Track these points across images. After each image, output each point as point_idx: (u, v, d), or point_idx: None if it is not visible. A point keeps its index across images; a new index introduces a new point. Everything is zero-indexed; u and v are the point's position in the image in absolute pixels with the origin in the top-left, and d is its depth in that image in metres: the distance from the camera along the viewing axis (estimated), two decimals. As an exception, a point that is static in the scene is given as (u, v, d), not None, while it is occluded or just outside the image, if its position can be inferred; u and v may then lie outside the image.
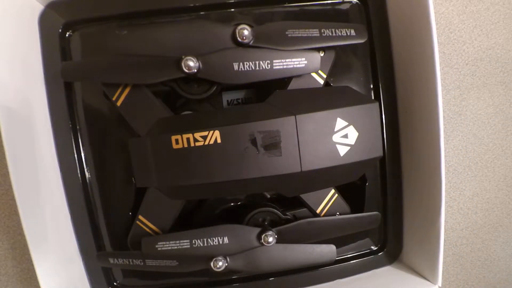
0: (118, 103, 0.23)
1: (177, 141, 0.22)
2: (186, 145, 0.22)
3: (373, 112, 0.23)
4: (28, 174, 0.24)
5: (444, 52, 0.40)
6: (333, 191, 0.25)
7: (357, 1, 0.27)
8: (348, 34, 0.23)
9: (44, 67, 0.26)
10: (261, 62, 0.22)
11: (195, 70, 0.21)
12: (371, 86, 0.28)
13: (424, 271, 0.27)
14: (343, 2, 0.27)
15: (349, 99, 0.23)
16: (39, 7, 0.26)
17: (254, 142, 0.22)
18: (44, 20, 0.26)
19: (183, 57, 0.21)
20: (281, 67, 0.22)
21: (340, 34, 0.23)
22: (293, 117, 0.22)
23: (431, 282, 0.27)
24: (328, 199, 0.25)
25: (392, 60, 0.28)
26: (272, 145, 0.22)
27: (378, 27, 0.27)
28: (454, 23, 0.40)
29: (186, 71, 0.21)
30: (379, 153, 0.23)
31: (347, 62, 0.28)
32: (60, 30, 0.26)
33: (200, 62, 0.21)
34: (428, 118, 0.24)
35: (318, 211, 0.25)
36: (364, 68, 0.28)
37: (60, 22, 0.26)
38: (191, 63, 0.21)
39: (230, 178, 0.22)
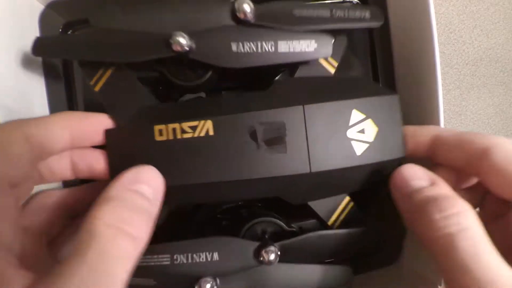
0: (97, 88, 0.20)
1: (161, 132, 0.18)
2: (171, 137, 0.18)
3: (393, 105, 0.20)
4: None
5: (444, 52, 0.39)
6: (347, 198, 0.21)
7: (357, 1, 0.25)
8: (363, 16, 0.20)
9: (44, 67, 0.24)
10: (264, 43, 0.19)
11: (187, 49, 0.18)
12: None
13: (425, 272, 0.25)
14: (343, 2, 0.25)
15: (365, 89, 0.20)
16: (39, 7, 0.25)
17: (254, 135, 0.18)
18: (44, 20, 0.24)
19: (173, 32, 0.18)
20: (287, 50, 0.19)
21: (353, 16, 0.20)
22: (300, 107, 0.18)
23: (433, 282, 0.24)
24: (342, 208, 0.21)
25: (393, 60, 0.26)
26: (276, 139, 0.18)
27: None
28: (454, 23, 0.39)
29: (177, 49, 0.18)
30: (401, 153, 0.19)
31: (347, 61, 0.25)
32: (60, 30, 0.24)
33: (193, 40, 0.18)
34: (429, 119, 0.22)
35: (330, 222, 0.20)
36: (364, 68, 0.26)
37: (60, 22, 0.24)
38: (182, 40, 0.18)
39: (224, 179, 0.18)
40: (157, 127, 0.18)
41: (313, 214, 0.20)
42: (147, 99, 0.19)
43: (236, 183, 0.18)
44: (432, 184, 0.16)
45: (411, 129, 0.20)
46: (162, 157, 0.18)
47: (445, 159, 0.18)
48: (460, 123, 0.40)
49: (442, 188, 0.16)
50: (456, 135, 0.18)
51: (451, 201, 0.15)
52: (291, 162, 0.18)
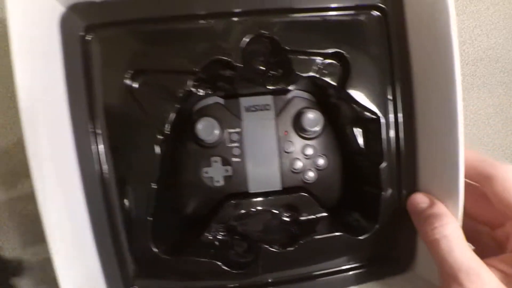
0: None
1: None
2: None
3: None
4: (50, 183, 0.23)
5: (445, 52, 0.39)
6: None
7: (377, 12, 0.27)
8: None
9: (65, 70, 0.25)
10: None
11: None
12: (390, 98, 0.28)
13: (438, 280, 0.26)
14: (361, 13, 0.27)
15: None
16: (61, 9, 0.25)
17: None
18: (65, 23, 0.25)
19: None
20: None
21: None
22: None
23: (445, 291, 0.26)
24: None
25: (410, 71, 0.27)
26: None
27: (396, 38, 0.27)
28: (454, 23, 0.40)
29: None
30: None
31: (365, 71, 0.27)
32: (81, 33, 0.25)
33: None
34: (447, 120, 0.24)
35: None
36: (382, 79, 0.28)
37: (81, 25, 0.25)
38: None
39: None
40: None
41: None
42: None
43: None
44: (431, 205, 0.25)
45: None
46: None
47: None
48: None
49: (436, 208, 0.24)
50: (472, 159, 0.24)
51: (439, 217, 0.24)
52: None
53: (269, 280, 0.29)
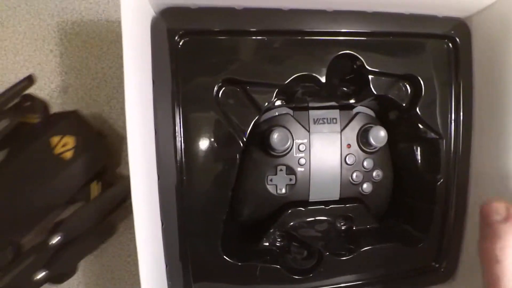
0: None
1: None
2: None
3: None
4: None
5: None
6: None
7: (449, 42, 0.29)
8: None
9: (153, 71, 0.25)
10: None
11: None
12: (453, 119, 0.30)
13: None
14: (435, 41, 0.29)
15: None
16: (152, 13, 0.25)
17: None
18: (155, 26, 0.25)
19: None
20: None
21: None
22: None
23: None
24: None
25: (472, 94, 0.30)
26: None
27: (463, 66, 0.29)
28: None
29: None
30: None
31: (434, 94, 0.29)
32: (175, 38, 0.25)
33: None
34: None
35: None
36: (448, 102, 0.30)
37: (171, 29, 0.25)
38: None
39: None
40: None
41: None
42: None
43: None
44: (505, 219, 0.24)
45: None
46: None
47: None
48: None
49: (508, 225, 0.23)
50: None
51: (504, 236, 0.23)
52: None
53: (329, 286, 0.30)
